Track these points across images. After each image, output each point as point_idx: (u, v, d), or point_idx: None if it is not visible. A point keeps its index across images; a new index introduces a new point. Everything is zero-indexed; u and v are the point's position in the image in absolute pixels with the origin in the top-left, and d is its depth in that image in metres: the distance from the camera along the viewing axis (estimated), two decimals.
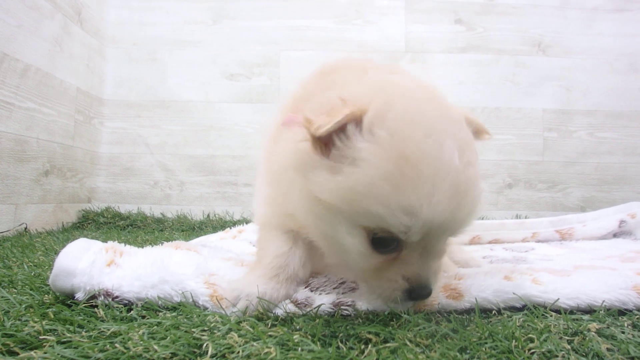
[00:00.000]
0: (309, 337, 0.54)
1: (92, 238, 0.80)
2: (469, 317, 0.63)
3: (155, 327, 0.57)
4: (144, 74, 2.43)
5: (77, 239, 0.75)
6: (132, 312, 0.64)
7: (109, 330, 0.55)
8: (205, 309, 0.66)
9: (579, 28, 2.51)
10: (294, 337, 0.53)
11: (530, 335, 0.54)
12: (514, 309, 0.67)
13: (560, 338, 0.54)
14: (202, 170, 2.41)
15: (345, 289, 0.71)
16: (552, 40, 2.51)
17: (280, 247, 0.73)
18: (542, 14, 2.52)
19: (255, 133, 2.42)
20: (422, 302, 0.65)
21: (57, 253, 0.71)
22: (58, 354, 0.48)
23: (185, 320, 0.60)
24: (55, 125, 1.97)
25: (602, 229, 1.47)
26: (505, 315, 0.64)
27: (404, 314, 0.61)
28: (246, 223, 1.77)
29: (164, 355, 0.48)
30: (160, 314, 0.64)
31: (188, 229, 2.08)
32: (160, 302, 0.67)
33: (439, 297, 0.67)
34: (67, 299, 0.68)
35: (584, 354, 0.51)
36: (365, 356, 0.49)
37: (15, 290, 0.75)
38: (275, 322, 0.60)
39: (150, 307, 0.66)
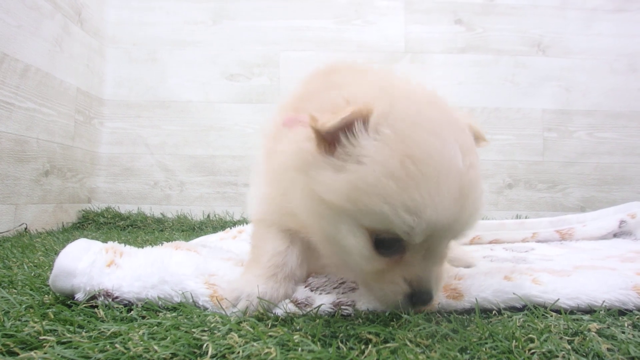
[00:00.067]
0: (309, 337, 0.54)
1: (92, 238, 0.80)
2: (469, 317, 0.63)
3: (156, 327, 0.57)
4: (144, 74, 2.43)
5: (77, 239, 0.75)
6: (132, 312, 0.64)
7: (109, 330, 0.55)
8: (206, 309, 0.66)
9: (578, 28, 2.51)
10: (294, 337, 0.53)
11: (530, 336, 0.54)
12: (514, 309, 0.67)
13: (561, 338, 0.54)
14: (202, 170, 2.41)
15: (345, 289, 0.71)
16: (552, 40, 2.51)
17: (277, 246, 0.73)
18: (542, 14, 2.52)
19: (255, 133, 2.42)
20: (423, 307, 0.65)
21: (57, 253, 0.71)
22: (58, 355, 0.48)
23: (185, 320, 0.60)
24: (55, 125, 1.97)
25: (602, 229, 1.47)
26: (506, 316, 0.64)
27: (404, 314, 0.61)
28: (246, 223, 1.77)
29: (164, 356, 0.48)
30: (161, 314, 0.64)
31: (188, 229, 2.08)
32: (160, 303, 0.67)
33: (439, 297, 0.67)
34: (67, 299, 0.68)
35: (584, 354, 0.51)
36: (365, 356, 0.49)
37: (15, 291, 0.75)
38: (276, 323, 0.60)
39: (151, 308, 0.66)
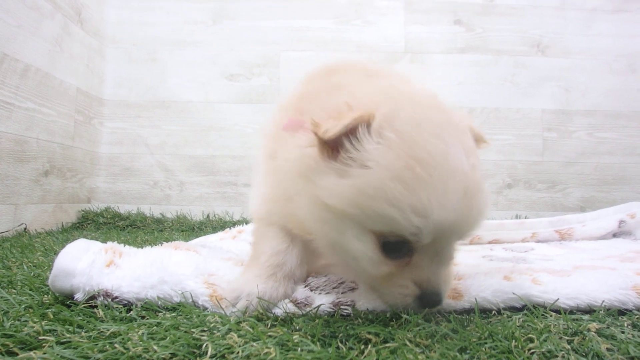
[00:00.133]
0: (309, 337, 0.54)
1: (91, 238, 0.80)
2: (469, 317, 0.63)
3: (155, 327, 0.57)
4: (143, 74, 2.43)
5: (76, 239, 0.75)
6: (131, 312, 0.64)
7: (108, 330, 0.55)
8: (205, 309, 0.66)
9: (578, 29, 2.51)
10: (294, 337, 0.53)
11: (530, 335, 0.54)
12: (513, 309, 0.67)
13: (560, 338, 0.54)
14: (201, 170, 2.41)
15: (344, 289, 0.71)
16: (552, 40, 2.51)
17: (277, 245, 0.72)
18: (542, 14, 2.52)
19: (255, 133, 2.42)
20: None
21: (56, 253, 0.71)
22: (57, 355, 0.48)
23: (184, 320, 0.60)
24: (55, 125, 1.97)
25: (601, 229, 1.47)
26: (505, 316, 0.64)
27: (404, 314, 0.61)
28: (246, 223, 1.77)
29: (163, 356, 0.48)
30: (160, 314, 0.64)
31: (188, 229, 2.08)
32: (159, 303, 0.67)
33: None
34: (66, 299, 0.68)
35: (584, 354, 0.51)
36: (365, 356, 0.49)
37: (14, 291, 0.75)
38: (275, 322, 0.60)
39: (150, 308, 0.66)
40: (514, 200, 2.46)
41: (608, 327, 0.59)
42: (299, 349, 0.50)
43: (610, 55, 2.50)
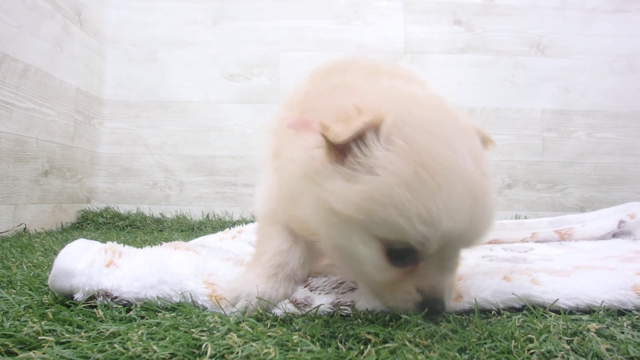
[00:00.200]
0: (308, 337, 0.54)
1: (91, 238, 0.80)
2: (468, 317, 0.63)
3: (155, 327, 0.57)
4: (143, 74, 2.43)
5: (76, 239, 0.75)
6: (131, 312, 0.64)
7: (108, 330, 0.55)
8: (205, 309, 0.66)
9: (577, 29, 2.51)
10: (293, 337, 0.53)
11: (529, 336, 0.54)
12: (513, 310, 0.67)
13: (560, 338, 0.54)
14: (201, 170, 2.41)
15: (344, 289, 0.71)
16: (551, 41, 2.51)
17: (280, 245, 0.72)
18: (541, 14, 2.52)
19: (255, 133, 2.42)
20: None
21: (56, 253, 0.71)
22: (57, 355, 0.48)
23: (184, 320, 0.60)
24: (54, 125, 1.97)
25: (601, 229, 1.47)
26: (505, 316, 0.64)
27: (403, 314, 0.61)
28: (245, 223, 1.77)
29: (163, 356, 0.48)
30: (160, 314, 0.63)
31: (187, 229, 2.08)
32: (159, 303, 0.67)
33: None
34: (66, 299, 0.68)
35: (584, 354, 0.51)
36: (364, 356, 0.49)
37: (14, 291, 0.75)
38: (275, 323, 0.60)
39: (150, 308, 0.66)
40: (513, 200, 2.46)
41: (608, 328, 0.59)
42: (299, 349, 0.50)
43: (610, 56, 2.50)
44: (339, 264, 0.68)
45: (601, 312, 0.65)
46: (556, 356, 0.50)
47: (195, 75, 2.44)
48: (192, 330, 0.55)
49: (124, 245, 0.80)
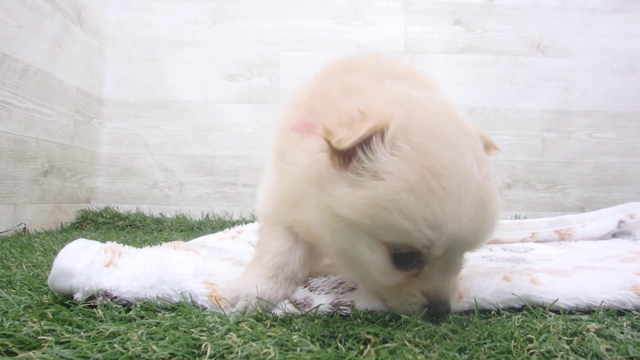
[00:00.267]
0: (308, 337, 0.54)
1: (90, 238, 0.80)
2: (468, 317, 0.64)
3: (154, 327, 0.57)
4: (143, 74, 2.43)
5: (75, 239, 0.75)
6: (130, 312, 0.64)
7: (107, 330, 0.55)
8: (204, 309, 0.66)
9: (577, 29, 2.51)
10: (293, 337, 0.53)
11: (529, 336, 0.54)
12: (513, 310, 0.67)
13: (560, 338, 0.54)
14: (201, 170, 2.41)
15: (344, 289, 0.71)
16: (551, 41, 2.51)
17: (280, 246, 0.72)
18: (541, 14, 2.52)
19: (255, 133, 2.42)
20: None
21: (55, 253, 0.71)
22: (57, 355, 0.48)
23: (184, 320, 0.60)
24: (54, 125, 1.97)
25: (601, 229, 1.47)
26: (504, 316, 0.64)
27: (403, 314, 0.61)
28: (245, 223, 1.77)
29: (162, 356, 0.48)
30: (159, 314, 0.63)
31: (187, 229, 2.08)
32: (159, 303, 0.67)
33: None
34: (65, 299, 0.68)
35: (583, 354, 0.51)
36: (364, 356, 0.49)
37: (14, 291, 0.75)
38: (274, 323, 0.60)
39: (149, 308, 0.66)
40: (513, 200, 2.46)
41: (607, 328, 0.59)
42: (298, 349, 0.50)
43: (610, 56, 2.50)
44: (342, 267, 0.68)
45: (601, 312, 0.65)
46: (556, 356, 0.50)
47: (195, 75, 2.44)
48: (191, 330, 0.55)
49: (123, 245, 0.80)
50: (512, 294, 0.67)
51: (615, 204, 1.62)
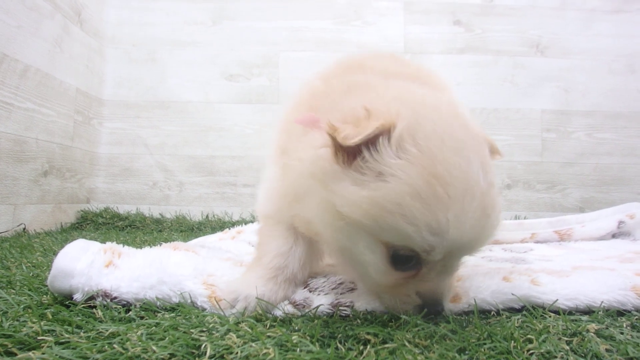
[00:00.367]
0: (308, 337, 0.54)
1: (90, 239, 0.79)
2: (468, 318, 0.64)
3: (154, 327, 0.57)
4: (143, 74, 2.43)
5: (75, 239, 0.75)
6: (130, 312, 0.64)
7: (107, 331, 0.55)
8: (204, 309, 0.66)
9: (577, 29, 2.51)
10: (293, 337, 0.53)
11: (529, 336, 0.54)
12: (512, 310, 0.67)
13: (559, 339, 0.54)
14: (201, 170, 2.41)
15: (343, 290, 0.71)
16: (551, 41, 2.51)
17: (280, 246, 0.72)
18: (541, 15, 2.52)
19: (255, 134, 2.42)
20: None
21: (55, 254, 0.71)
22: (56, 355, 0.48)
23: (183, 321, 0.60)
24: (54, 125, 1.97)
25: (600, 230, 1.47)
26: (504, 316, 0.64)
27: (403, 315, 0.61)
28: (245, 224, 1.77)
29: (162, 356, 0.48)
30: (159, 314, 0.63)
31: (187, 229, 2.08)
32: (158, 303, 0.67)
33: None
34: (65, 299, 0.68)
35: (583, 355, 0.51)
36: (364, 357, 0.49)
37: (13, 291, 0.75)
38: (274, 323, 0.60)
39: (149, 308, 0.66)
40: (513, 200, 2.46)
41: (607, 328, 0.59)
42: (298, 349, 0.50)
43: (609, 56, 2.50)
44: (341, 264, 0.68)
45: (600, 313, 0.65)
46: (555, 356, 0.50)
47: (195, 75, 2.44)
48: (191, 330, 0.55)
49: (123, 246, 0.80)
50: (512, 294, 0.67)
51: (615, 205, 1.62)
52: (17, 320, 0.58)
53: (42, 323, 0.56)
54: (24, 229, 1.77)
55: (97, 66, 2.34)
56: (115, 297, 0.67)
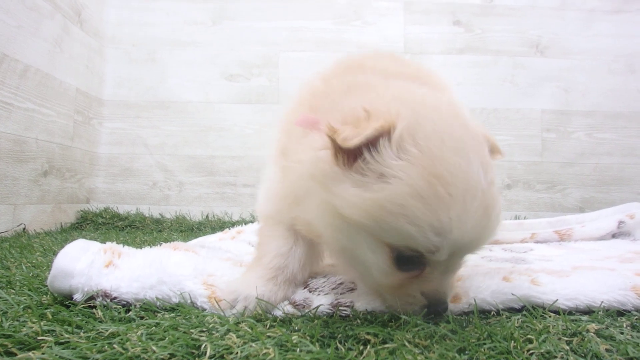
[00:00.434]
0: (308, 337, 0.54)
1: (90, 239, 0.79)
2: (468, 318, 0.64)
3: (154, 327, 0.57)
4: (143, 74, 2.43)
5: (75, 239, 0.75)
6: (130, 312, 0.64)
7: (107, 331, 0.55)
8: (204, 309, 0.66)
9: (577, 29, 2.51)
10: (293, 337, 0.52)
11: (529, 336, 0.54)
12: (512, 310, 0.67)
13: (559, 339, 0.54)
14: (201, 170, 2.41)
15: (343, 290, 0.71)
16: (551, 41, 2.51)
17: (280, 247, 0.72)
18: (541, 15, 2.52)
19: (255, 134, 2.42)
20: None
21: (55, 254, 0.71)
22: (56, 355, 0.48)
23: (183, 321, 0.60)
24: (54, 125, 1.97)
25: (600, 230, 1.47)
26: (504, 316, 0.64)
27: (403, 315, 0.61)
28: (245, 224, 1.77)
29: (162, 356, 0.48)
30: (159, 314, 0.63)
31: (187, 229, 2.08)
32: (158, 303, 0.67)
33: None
34: (65, 299, 0.68)
35: (583, 355, 0.51)
36: (363, 357, 0.49)
37: (13, 291, 0.74)
38: (274, 323, 0.60)
39: (149, 308, 0.66)
40: (513, 200, 2.46)
41: (607, 328, 0.59)
42: (298, 349, 0.50)
43: (609, 56, 2.50)
44: (342, 265, 0.68)
45: (600, 313, 0.65)
46: (555, 357, 0.50)
47: (195, 75, 2.44)
48: (191, 330, 0.55)
49: (123, 246, 0.80)
50: (512, 294, 0.67)
51: (614, 205, 1.62)
52: (17, 321, 0.58)
53: (42, 323, 0.56)
54: (24, 229, 1.77)
55: (97, 66, 2.34)
56: (115, 297, 0.67)
